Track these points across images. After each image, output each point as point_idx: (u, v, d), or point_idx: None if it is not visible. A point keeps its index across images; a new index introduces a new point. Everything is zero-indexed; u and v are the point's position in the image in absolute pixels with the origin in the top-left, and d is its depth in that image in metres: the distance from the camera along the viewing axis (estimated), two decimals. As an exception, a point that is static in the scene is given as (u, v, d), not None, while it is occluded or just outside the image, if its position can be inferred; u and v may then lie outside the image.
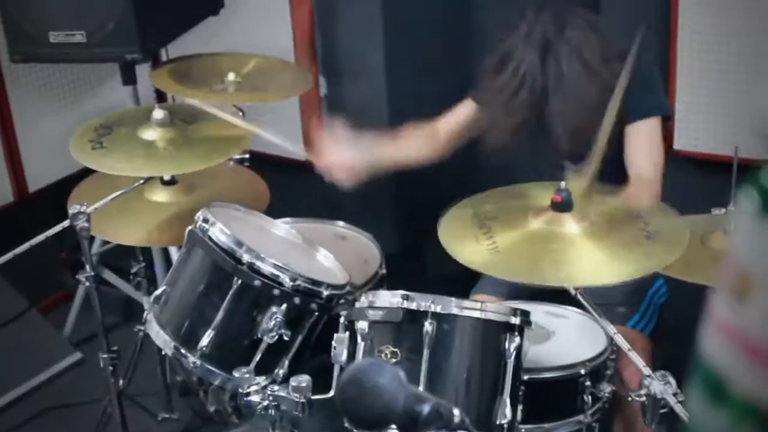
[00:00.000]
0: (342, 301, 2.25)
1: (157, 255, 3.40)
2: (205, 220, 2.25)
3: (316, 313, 2.22)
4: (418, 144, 2.71)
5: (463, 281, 2.63)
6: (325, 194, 3.34)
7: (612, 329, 2.05)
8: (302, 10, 3.65)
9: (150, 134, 2.63)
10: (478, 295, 2.59)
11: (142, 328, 2.62)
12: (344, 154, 2.55)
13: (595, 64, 2.40)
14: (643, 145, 2.47)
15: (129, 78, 3.33)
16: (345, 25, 3.62)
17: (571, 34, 2.42)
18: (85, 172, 2.90)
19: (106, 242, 3.35)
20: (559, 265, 2.03)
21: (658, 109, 2.52)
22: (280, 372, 2.20)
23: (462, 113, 2.71)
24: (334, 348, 2.10)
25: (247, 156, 2.88)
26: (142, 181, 2.63)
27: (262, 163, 3.01)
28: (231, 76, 3.09)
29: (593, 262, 2.06)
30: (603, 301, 2.38)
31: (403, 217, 3.64)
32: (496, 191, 2.38)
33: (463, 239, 2.14)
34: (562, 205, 2.11)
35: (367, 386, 1.22)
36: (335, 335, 2.12)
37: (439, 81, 3.41)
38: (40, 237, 2.53)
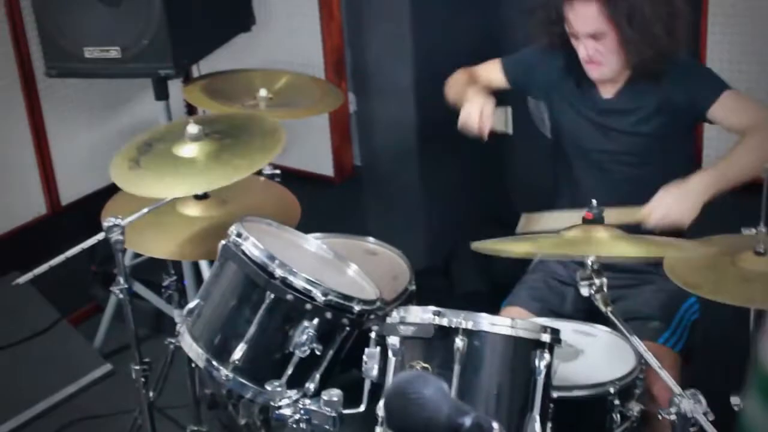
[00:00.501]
0: (372, 316, 2.27)
1: (188, 268, 3.43)
2: (239, 235, 2.27)
3: (348, 328, 2.23)
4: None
5: (490, 298, 2.65)
6: (355, 210, 3.37)
7: (642, 347, 2.06)
8: (333, 27, 3.69)
9: (185, 150, 2.65)
10: (509, 308, 2.61)
11: (172, 340, 2.65)
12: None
13: None
14: (733, 112, 2.46)
15: (161, 93, 3.37)
16: (375, 42, 3.64)
17: None
18: (116, 186, 2.93)
19: (137, 255, 3.38)
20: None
21: (725, 86, 2.50)
22: (311, 386, 2.21)
23: (487, 73, 2.77)
24: (365, 363, 2.12)
25: (278, 171, 2.91)
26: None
27: (292, 178, 3.04)
28: (263, 92, 3.13)
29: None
30: (635, 316, 2.40)
31: (432, 234, 3.66)
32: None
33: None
34: (594, 222, 2.14)
35: (412, 397, 1.24)
36: (366, 350, 2.14)
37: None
38: (75, 249, 2.55)
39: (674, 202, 2.30)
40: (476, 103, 2.55)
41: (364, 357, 2.14)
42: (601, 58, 2.49)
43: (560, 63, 2.64)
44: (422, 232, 3.67)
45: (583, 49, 2.49)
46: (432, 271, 3.53)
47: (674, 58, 2.49)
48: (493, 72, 2.77)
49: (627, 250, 2.12)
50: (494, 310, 2.64)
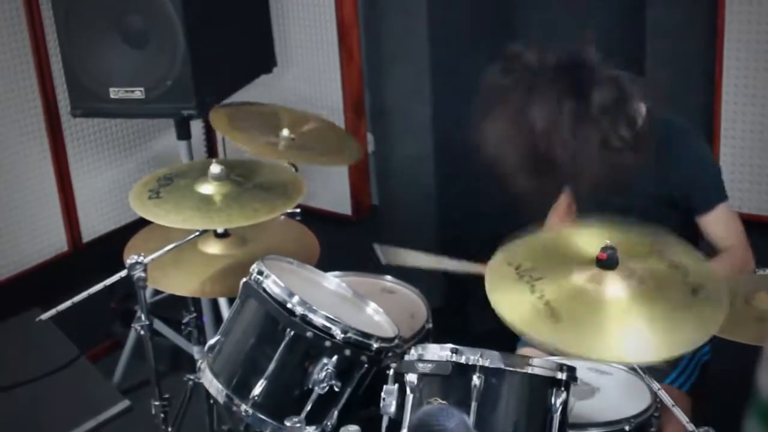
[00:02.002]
0: (391, 353, 2.29)
1: (207, 306, 3.46)
2: (260, 272, 2.31)
3: (366, 365, 2.26)
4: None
5: (506, 337, 2.66)
6: (373, 249, 3.39)
7: (656, 386, 2.08)
8: (353, 68, 3.74)
9: (206, 188, 2.70)
10: (524, 349, 2.63)
11: (191, 376, 2.69)
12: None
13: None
14: (722, 225, 2.51)
15: (184, 133, 3.42)
16: (393, 84, 3.70)
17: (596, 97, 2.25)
18: (137, 224, 2.98)
19: (156, 292, 3.42)
20: (613, 340, 2.04)
21: (724, 196, 2.53)
22: (330, 422, 2.24)
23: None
24: (384, 399, 2.14)
25: (298, 210, 2.95)
26: (198, 233, 2.70)
27: (311, 217, 3.08)
28: (285, 132, 3.17)
29: (646, 336, 2.04)
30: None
31: (449, 273, 3.68)
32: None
33: (511, 296, 2.16)
34: (608, 263, 2.12)
35: (435, 429, 1.27)
36: (385, 387, 2.16)
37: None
38: (98, 286, 2.59)
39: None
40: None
41: (383, 394, 2.15)
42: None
43: None
44: (439, 271, 3.70)
45: None
46: (449, 310, 3.56)
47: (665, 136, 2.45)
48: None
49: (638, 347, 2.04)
50: (511, 349, 2.67)
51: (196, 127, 3.60)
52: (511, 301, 2.12)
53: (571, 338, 2.00)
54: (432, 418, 1.31)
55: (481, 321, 3.45)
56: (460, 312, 3.60)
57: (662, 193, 2.51)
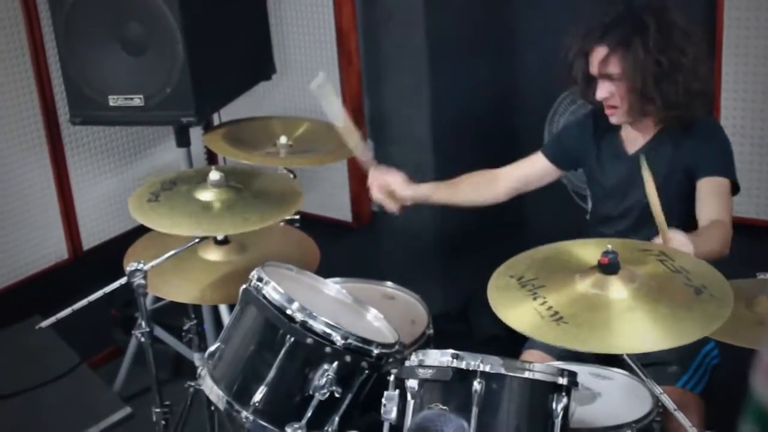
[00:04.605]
0: (391, 359, 2.29)
1: (207, 312, 3.47)
2: (260, 279, 2.31)
3: (367, 371, 2.26)
4: (472, 188, 2.85)
5: (507, 343, 2.67)
6: (374, 255, 3.40)
7: (658, 390, 2.08)
8: (351, 74, 3.74)
9: (204, 195, 2.71)
10: (529, 352, 2.63)
11: (192, 383, 2.68)
12: (393, 179, 2.76)
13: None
14: (717, 196, 2.51)
15: (183, 140, 3.43)
16: (392, 91, 3.70)
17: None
18: (137, 231, 2.99)
19: (157, 299, 3.42)
20: (616, 333, 2.04)
21: (731, 174, 2.56)
22: (331, 429, 2.23)
23: (527, 165, 2.82)
24: (384, 405, 2.14)
25: (297, 217, 2.95)
26: (197, 240, 2.70)
27: (311, 223, 3.08)
28: (283, 140, 3.18)
29: (652, 327, 2.04)
30: (653, 361, 2.41)
31: (449, 279, 3.69)
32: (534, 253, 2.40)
33: (516, 306, 2.15)
34: (610, 267, 2.13)
35: (434, 434, 1.27)
36: (385, 393, 2.16)
37: (485, 147, 3.47)
38: (98, 293, 2.59)
39: (685, 242, 2.30)
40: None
41: (383, 400, 2.15)
42: (615, 101, 2.56)
43: (591, 130, 2.74)
44: (440, 276, 3.71)
45: (600, 91, 2.56)
46: (449, 316, 3.56)
47: (697, 120, 2.56)
48: (537, 161, 2.82)
49: (647, 338, 2.04)
50: (512, 354, 2.66)
51: (196, 134, 3.60)
52: (514, 309, 2.11)
53: (577, 335, 2.00)
54: (430, 423, 1.31)
55: (483, 326, 3.46)
56: (463, 318, 3.60)
57: (680, 163, 2.56)
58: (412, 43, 3.55)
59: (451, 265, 3.70)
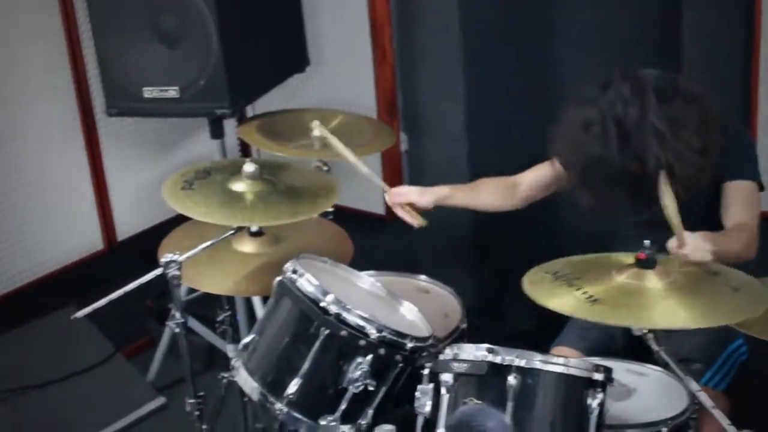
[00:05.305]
0: (425, 353, 2.29)
1: (241, 304, 3.48)
2: (294, 271, 2.32)
3: (401, 365, 2.26)
4: (492, 194, 2.81)
5: (540, 337, 2.66)
6: (407, 248, 3.39)
7: (695, 387, 2.06)
8: (385, 68, 3.73)
9: (238, 185, 2.72)
10: (558, 348, 2.62)
11: (226, 374, 2.69)
12: (409, 191, 2.77)
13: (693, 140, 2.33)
14: (742, 199, 2.51)
15: (217, 132, 3.43)
16: (427, 84, 3.69)
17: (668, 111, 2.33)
18: (172, 222, 3.00)
19: (191, 290, 3.44)
20: (650, 310, 2.08)
21: (756, 176, 2.55)
22: (364, 422, 2.24)
23: (542, 172, 2.76)
24: (418, 399, 2.14)
25: (331, 209, 2.95)
26: (232, 232, 2.71)
27: (345, 216, 3.08)
28: (317, 132, 3.17)
29: (684, 309, 2.08)
30: (678, 358, 2.40)
31: (483, 273, 3.67)
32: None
33: (553, 293, 2.18)
34: (647, 262, 2.13)
35: (474, 429, 1.26)
36: (419, 386, 2.16)
37: (519, 141, 3.45)
38: (134, 284, 2.61)
39: (704, 243, 2.28)
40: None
41: (417, 393, 2.15)
42: None
43: None
44: (474, 270, 3.69)
45: None
46: (483, 310, 3.55)
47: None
48: (547, 167, 2.75)
49: (681, 316, 2.08)
50: (543, 349, 2.65)
51: (230, 126, 3.60)
52: (551, 295, 2.15)
53: (613, 312, 2.05)
54: (472, 418, 1.31)
55: (516, 321, 3.45)
56: (496, 312, 3.58)
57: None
58: (446, 36, 3.53)
59: (485, 258, 3.69)
